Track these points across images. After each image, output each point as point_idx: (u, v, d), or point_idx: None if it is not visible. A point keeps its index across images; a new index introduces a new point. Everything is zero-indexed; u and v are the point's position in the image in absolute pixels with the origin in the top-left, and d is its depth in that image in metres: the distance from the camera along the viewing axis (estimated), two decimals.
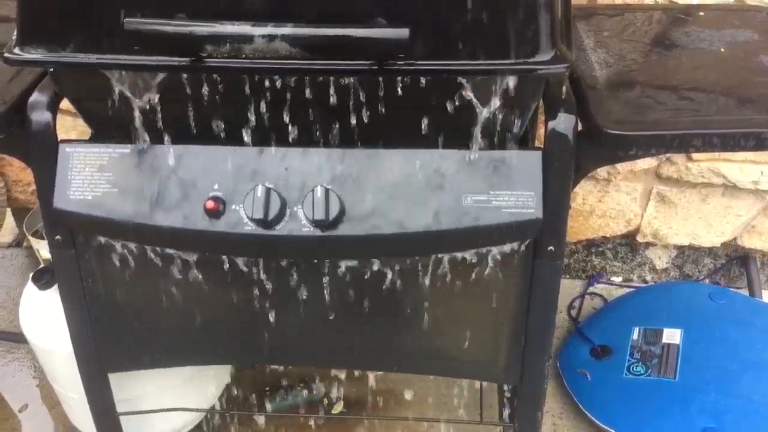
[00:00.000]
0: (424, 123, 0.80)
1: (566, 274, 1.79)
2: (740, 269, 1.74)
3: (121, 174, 0.86)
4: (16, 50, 0.76)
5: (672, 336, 1.47)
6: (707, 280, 1.76)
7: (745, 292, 1.68)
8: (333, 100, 0.77)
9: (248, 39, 0.69)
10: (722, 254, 1.73)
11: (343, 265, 0.90)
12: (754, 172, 1.52)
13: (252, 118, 0.81)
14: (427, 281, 0.91)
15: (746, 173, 1.53)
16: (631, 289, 1.73)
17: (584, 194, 1.64)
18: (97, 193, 0.86)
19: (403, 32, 0.68)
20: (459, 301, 0.95)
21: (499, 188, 0.83)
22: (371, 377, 1.50)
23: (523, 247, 0.88)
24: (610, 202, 1.64)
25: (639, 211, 1.66)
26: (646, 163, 1.56)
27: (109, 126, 0.87)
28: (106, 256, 0.94)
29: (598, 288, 1.76)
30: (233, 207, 0.84)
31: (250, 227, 0.84)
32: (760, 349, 1.42)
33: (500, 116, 0.79)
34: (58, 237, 0.93)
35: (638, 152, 0.85)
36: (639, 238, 1.71)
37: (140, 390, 1.21)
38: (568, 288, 1.75)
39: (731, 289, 1.66)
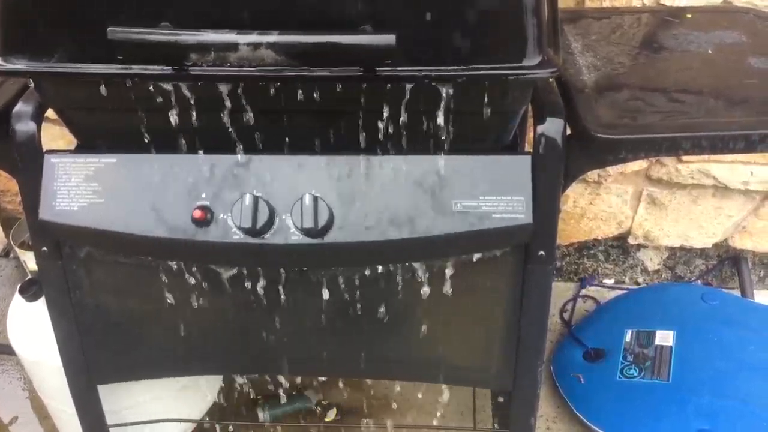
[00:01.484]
0: (412, 129, 0.80)
1: (558, 276, 1.79)
2: (732, 270, 1.74)
3: (107, 184, 0.85)
4: None
5: (665, 338, 1.46)
6: (699, 281, 1.76)
7: (737, 292, 1.68)
8: (319, 107, 0.77)
9: (233, 47, 0.68)
10: (714, 255, 1.73)
11: (333, 272, 0.90)
12: (743, 172, 1.52)
13: (239, 126, 0.80)
14: (417, 288, 0.91)
15: (736, 174, 1.53)
16: (624, 291, 1.73)
17: (575, 197, 1.64)
18: (83, 203, 0.85)
19: (390, 38, 0.67)
20: (450, 308, 0.94)
21: (489, 193, 0.82)
22: (363, 384, 1.49)
23: (513, 253, 0.88)
24: (601, 204, 1.64)
25: (630, 213, 1.66)
26: (637, 165, 1.56)
27: (94, 135, 0.86)
28: (93, 267, 0.93)
29: (591, 290, 1.76)
30: (221, 216, 0.83)
31: (238, 236, 0.83)
32: (753, 350, 1.41)
33: (488, 121, 0.79)
34: (44, 248, 0.92)
35: (627, 156, 0.85)
36: (630, 240, 1.71)
37: (130, 401, 1.20)
38: (561, 291, 1.74)
39: (723, 290, 1.65)
